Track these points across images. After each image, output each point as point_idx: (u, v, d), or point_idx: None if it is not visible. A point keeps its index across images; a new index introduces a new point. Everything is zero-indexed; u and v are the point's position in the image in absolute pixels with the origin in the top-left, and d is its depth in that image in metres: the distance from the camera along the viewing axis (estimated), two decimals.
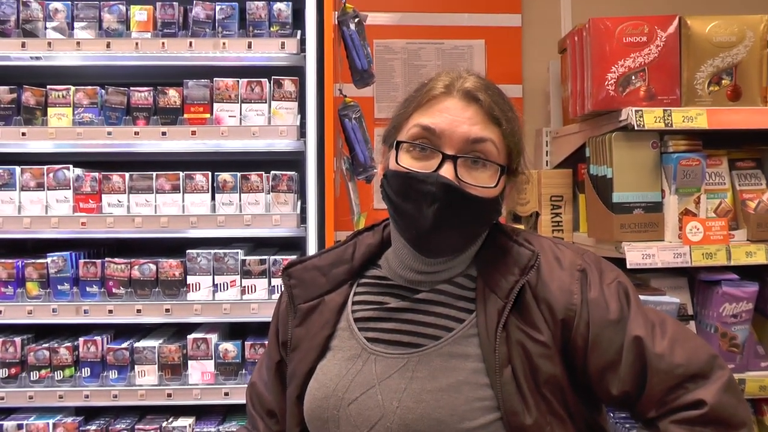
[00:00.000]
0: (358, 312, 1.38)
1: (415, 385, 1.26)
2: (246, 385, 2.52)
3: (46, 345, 2.60)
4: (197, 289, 2.59)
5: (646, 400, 1.27)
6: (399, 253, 1.39)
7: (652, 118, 2.26)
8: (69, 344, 2.60)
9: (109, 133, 2.58)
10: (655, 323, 1.31)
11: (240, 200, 2.61)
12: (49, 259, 2.60)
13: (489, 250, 1.37)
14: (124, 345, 2.61)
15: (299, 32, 2.62)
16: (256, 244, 2.95)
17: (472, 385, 1.25)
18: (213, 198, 2.62)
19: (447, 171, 1.27)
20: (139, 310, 2.56)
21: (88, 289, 2.60)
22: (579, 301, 1.29)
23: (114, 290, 2.59)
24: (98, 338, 2.61)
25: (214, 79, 2.63)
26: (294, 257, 2.60)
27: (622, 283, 1.34)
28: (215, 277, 2.60)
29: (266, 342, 2.58)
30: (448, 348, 1.28)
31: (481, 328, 1.28)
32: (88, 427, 2.59)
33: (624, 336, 1.28)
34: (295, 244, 2.81)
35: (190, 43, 2.58)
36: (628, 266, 2.22)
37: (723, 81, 2.37)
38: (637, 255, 2.23)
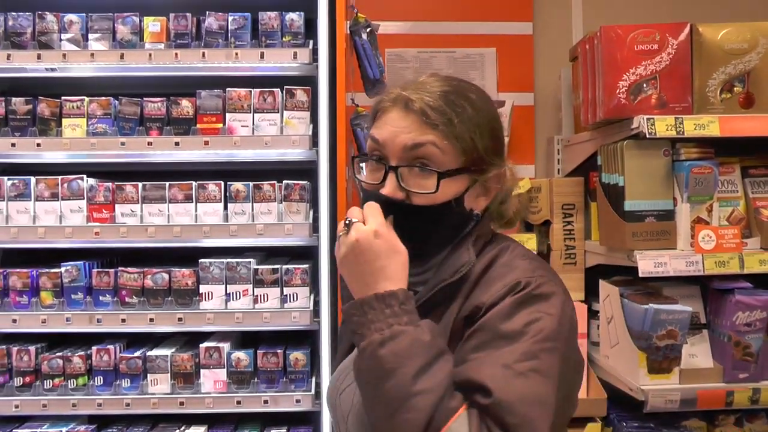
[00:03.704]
0: None
1: None
2: (258, 394, 2.56)
3: (60, 354, 2.62)
4: (210, 298, 2.60)
5: None
6: None
7: (663, 125, 2.25)
8: (82, 353, 2.62)
9: (123, 144, 2.61)
10: (522, 372, 1.15)
11: (252, 210, 2.62)
12: (63, 269, 2.62)
13: (448, 252, 1.36)
14: (137, 354, 2.62)
15: (311, 42, 2.63)
16: (268, 254, 2.96)
17: None
18: (225, 207, 2.63)
19: (390, 181, 1.30)
20: (151, 319, 2.57)
21: (101, 298, 2.61)
22: (491, 304, 1.23)
23: (127, 299, 2.61)
24: (111, 347, 2.63)
25: (227, 89, 2.64)
26: (306, 266, 2.61)
27: (539, 322, 1.20)
28: (228, 286, 2.61)
29: (278, 351, 2.62)
30: None
31: None
32: None
33: (486, 350, 1.18)
34: (308, 253, 2.82)
35: (203, 54, 2.60)
36: (641, 275, 2.22)
37: (735, 88, 2.36)
38: (649, 263, 2.22)
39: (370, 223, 1.24)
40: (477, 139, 1.32)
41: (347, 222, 1.25)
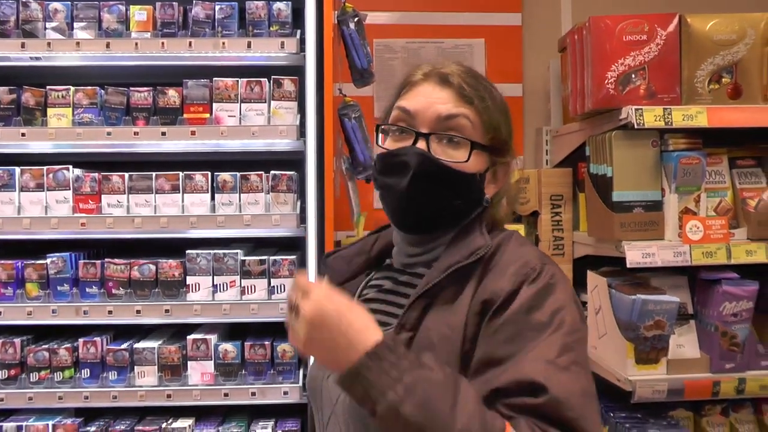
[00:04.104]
0: (364, 296, 1.45)
1: None
2: (246, 386, 2.55)
3: (46, 346, 2.60)
4: (197, 289, 2.59)
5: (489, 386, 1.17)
6: (395, 238, 1.46)
7: (652, 116, 2.25)
8: (69, 345, 2.60)
9: (109, 134, 2.58)
10: (565, 366, 1.16)
11: (240, 200, 2.61)
12: (48, 260, 2.60)
13: (456, 236, 1.38)
14: (124, 346, 2.60)
15: (299, 32, 2.61)
16: (255, 245, 2.95)
17: None
18: (213, 198, 2.62)
19: (421, 146, 1.34)
20: (138, 311, 2.56)
21: (87, 289, 2.59)
22: (509, 291, 1.23)
23: (113, 291, 2.59)
24: (98, 339, 2.61)
25: (214, 78, 2.62)
26: (293, 257, 2.60)
27: (562, 312, 1.21)
28: (215, 277, 2.59)
29: (266, 342, 2.60)
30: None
31: (411, 295, 1.30)
32: (88, 428, 2.59)
33: (518, 348, 1.17)
34: (295, 244, 2.80)
35: (190, 43, 2.57)
36: (628, 265, 2.22)
37: (723, 79, 2.36)
38: (637, 254, 2.22)
39: (313, 294, 1.14)
40: (502, 123, 1.39)
41: (292, 306, 1.17)
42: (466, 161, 1.33)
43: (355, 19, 2.71)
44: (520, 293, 1.22)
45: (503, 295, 1.22)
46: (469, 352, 1.23)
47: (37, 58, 2.62)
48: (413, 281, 1.37)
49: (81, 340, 2.60)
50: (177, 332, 2.78)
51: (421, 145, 1.33)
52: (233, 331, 2.81)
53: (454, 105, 1.34)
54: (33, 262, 2.60)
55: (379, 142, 1.40)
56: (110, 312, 2.56)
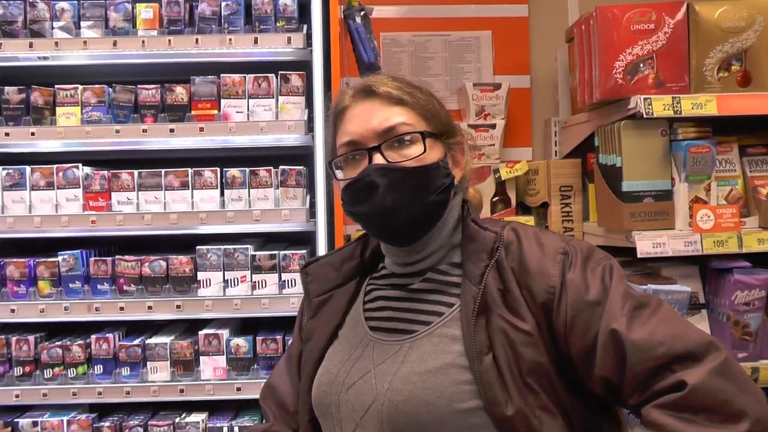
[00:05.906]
0: (367, 303, 1.46)
1: (405, 369, 1.30)
2: (258, 380, 2.56)
3: (59, 343, 2.62)
4: (208, 285, 2.60)
5: (628, 385, 1.20)
6: (386, 253, 1.47)
7: (660, 105, 2.24)
8: (81, 342, 2.61)
9: (118, 132, 2.59)
10: (640, 306, 1.24)
11: (249, 196, 2.61)
12: (60, 258, 2.61)
13: (464, 240, 1.40)
14: (136, 342, 2.62)
15: (305, 27, 2.61)
16: (266, 239, 2.96)
17: (458, 369, 1.27)
18: (222, 194, 2.62)
19: (377, 161, 1.35)
20: (150, 307, 2.57)
21: (99, 286, 2.61)
22: (558, 283, 1.27)
23: (125, 287, 2.60)
24: (110, 335, 2.62)
25: (221, 75, 2.63)
26: (303, 251, 2.61)
27: (609, 266, 1.30)
28: (225, 272, 2.60)
29: (277, 337, 2.61)
30: (438, 331, 1.32)
31: (462, 316, 1.30)
32: (102, 423, 2.60)
33: (600, 321, 1.23)
34: (305, 238, 2.81)
35: (197, 40, 2.57)
36: (639, 255, 2.22)
37: (732, 67, 2.35)
38: (647, 244, 2.22)
39: None
40: (437, 107, 1.41)
41: None
42: (424, 152, 1.34)
43: (362, 13, 2.71)
44: (568, 282, 1.27)
45: (557, 291, 1.27)
46: (556, 344, 1.27)
47: (45, 58, 2.63)
48: (428, 287, 1.38)
49: (93, 337, 2.62)
50: (188, 328, 2.80)
51: (377, 158, 1.34)
52: (245, 326, 2.82)
53: (388, 114, 1.36)
54: (45, 260, 2.62)
55: (339, 178, 1.40)
56: (122, 308, 2.57)
